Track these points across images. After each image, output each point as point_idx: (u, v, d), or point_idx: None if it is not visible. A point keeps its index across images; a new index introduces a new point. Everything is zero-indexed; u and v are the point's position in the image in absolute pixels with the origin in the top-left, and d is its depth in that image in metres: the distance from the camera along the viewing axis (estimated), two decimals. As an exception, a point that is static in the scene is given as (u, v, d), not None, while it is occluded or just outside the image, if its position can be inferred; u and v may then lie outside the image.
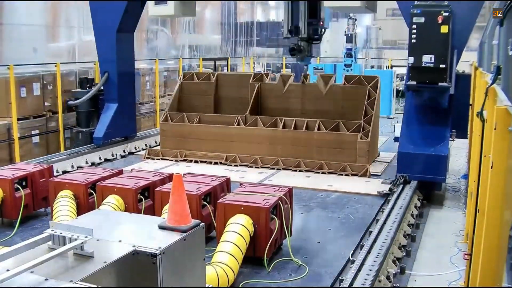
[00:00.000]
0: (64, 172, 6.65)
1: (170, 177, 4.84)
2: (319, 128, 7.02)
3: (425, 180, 5.89)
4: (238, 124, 7.43)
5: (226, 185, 4.70)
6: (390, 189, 5.81)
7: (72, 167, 7.05)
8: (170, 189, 4.10)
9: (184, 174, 5.89)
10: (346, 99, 7.40)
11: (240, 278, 3.71)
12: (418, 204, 5.60)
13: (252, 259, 3.91)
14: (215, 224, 4.09)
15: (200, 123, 7.71)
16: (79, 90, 8.60)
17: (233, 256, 3.53)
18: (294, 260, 4.05)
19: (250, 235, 3.76)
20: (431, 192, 6.02)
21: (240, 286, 3.62)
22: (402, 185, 5.71)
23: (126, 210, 4.40)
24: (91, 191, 4.68)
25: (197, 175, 4.97)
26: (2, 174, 4.89)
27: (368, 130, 6.82)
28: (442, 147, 5.84)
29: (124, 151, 8.17)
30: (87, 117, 8.51)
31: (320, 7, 6.98)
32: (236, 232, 3.67)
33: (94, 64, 9.21)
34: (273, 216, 3.97)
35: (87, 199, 4.63)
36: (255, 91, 7.75)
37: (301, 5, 6.83)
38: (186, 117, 7.82)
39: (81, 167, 6.89)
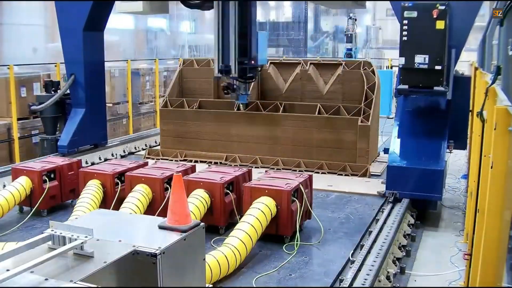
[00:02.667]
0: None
1: (192, 168, 5.26)
2: (319, 112, 6.99)
3: (418, 198, 5.21)
4: (238, 109, 7.38)
5: (248, 175, 4.98)
6: (390, 189, 5.73)
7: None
8: (194, 178, 4.67)
9: (209, 165, 6.39)
10: (347, 85, 7.32)
11: (239, 278, 3.72)
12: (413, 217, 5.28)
13: (252, 257, 3.95)
14: (236, 211, 4.60)
15: (200, 108, 7.65)
16: (43, 94, 7.87)
17: (248, 233, 3.87)
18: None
19: (272, 214, 4.18)
20: (425, 211, 5.38)
21: (240, 286, 3.64)
22: (391, 204, 5.08)
23: (154, 198, 4.71)
24: (117, 180, 4.98)
25: (221, 166, 5.59)
26: (32, 166, 5.21)
27: (369, 114, 6.73)
28: (438, 161, 5.14)
29: (124, 151, 8.13)
30: (52, 123, 7.88)
31: (251, 45, 6.30)
32: (259, 209, 4.10)
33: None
34: (294, 198, 4.33)
35: (114, 188, 4.92)
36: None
37: (232, 43, 6.18)
38: (186, 102, 7.75)
39: (82, 166, 6.90)
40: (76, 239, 2.08)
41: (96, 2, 7.16)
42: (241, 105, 7.03)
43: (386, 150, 5.99)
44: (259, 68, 6.70)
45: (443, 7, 4.73)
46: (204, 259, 2.46)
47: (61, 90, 7.68)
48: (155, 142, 8.84)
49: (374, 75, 7.18)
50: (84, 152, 7.59)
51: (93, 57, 7.59)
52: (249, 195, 4.31)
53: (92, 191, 4.76)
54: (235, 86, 6.49)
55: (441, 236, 4.92)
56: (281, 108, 7.24)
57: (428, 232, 5.03)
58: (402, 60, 4.97)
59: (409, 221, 5.01)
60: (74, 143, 7.44)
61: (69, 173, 5.32)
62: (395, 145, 5.48)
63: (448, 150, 5.55)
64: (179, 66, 8.46)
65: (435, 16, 4.72)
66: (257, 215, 4.04)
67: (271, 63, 7.89)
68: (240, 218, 4.22)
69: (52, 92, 7.85)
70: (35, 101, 7.89)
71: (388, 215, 4.76)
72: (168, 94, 8.11)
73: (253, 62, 6.39)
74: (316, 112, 7.02)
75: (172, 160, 7.53)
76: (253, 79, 6.70)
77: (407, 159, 5.31)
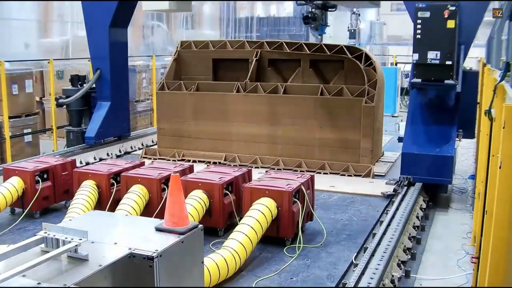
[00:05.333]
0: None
1: (190, 168, 5.22)
2: (322, 93, 6.90)
3: (430, 182, 5.70)
4: (238, 91, 7.28)
5: (247, 176, 4.92)
6: (394, 190, 5.70)
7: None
8: (192, 178, 4.59)
9: (207, 165, 6.26)
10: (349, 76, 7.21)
11: (239, 282, 3.66)
12: (424, 206, 5.48)
13: (252, 259, 3.90)
14: (235, 213, 4.52)
15: (198, 90, 7.55)
16: (70, 87, 8.26)
17: (248, 236, 3.81)
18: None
19: (272, 216, 4.12)
20: (436, 194, 5.85)
21: (239, 287, 3.59)
22: (406, 187, 5.55)
23: (151, 199, 4.64)
24: (113, 181, 4.89)
25: (220, 166, 5.52)
26: (24, 166, 5.10)
27: (373, 95, 6.62)
28: (448, 148, 5.62)
29: (120, 151, 8.05)
30: (78, 116, 8.17)
31: None
32: (259, 211, 4.03)
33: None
34: (296, 199, 4.28)
35: (109, 189, 4.83)
36: (254, 57, 7.46)
37: None
38: (183, 85, 7.66)
39: (76, 166, 6.86)
40: (70, 242, 2.06)
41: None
42: (319, 37, 7.09)
43: (400, 139, 6.46)
44: None
45: (453, 8, 5.20)
46: (203, 262, 2.42)
47: (88, 84, 7.99)
48: (152, 141, 8.73)
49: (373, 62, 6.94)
50: (108, 144, 7.89)
51: (118, 52, 7.87)
52: (249, 196, 4.25)
53: (86, 192, 4.66)
54: (316, 15, 6.67)
55: (448, 239, 4.83)
56: (282, 90, 7.12)
57: (434, 235, 4.96)
58: (416, 56, 5.37)
59: (414, 223, 4.93)
60: (101, 134, 7.76)
61: (63, 173, 5.21)
62: (409, 134, 5.90)
63: (457, 139, 6.03)
64: (177, 48, 8.25)
65: (446, 16, 5.18)
66: (257, 216, 3.97)
67: (270, 60, 7.77)
68: (239, 220, 4.15)
69: (79, 85, 8.14)
70: (62, 94, 8.13)
71: (393, 217, 4.68)
72: (165, 77, 7.99)
73: None
74: (319, 93, 6.90)
75: (169, 160, 7.43)
76: (335, 9, 6.96)
77: (419, 146, 5.74)
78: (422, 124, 5.90)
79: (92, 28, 7.73)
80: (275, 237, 4.24)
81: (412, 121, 5.99)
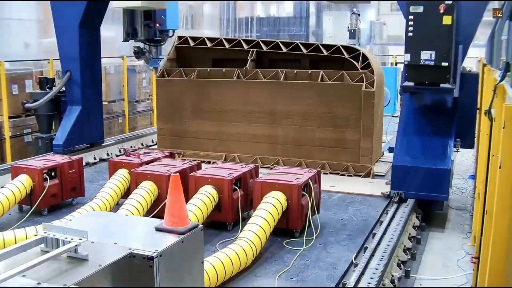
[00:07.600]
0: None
1: (198, 165, 5.32)
2: (322, 79, 6.89)
3: (424, 198, 5.13)
4: (238, 77, 7.27)
5: (255, 172, 5.07)
6: (394, 190, 5.65)
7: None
8: (202, 174, 4.69)
9: (215, 162, 6.45)
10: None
11: (239, 281, 3.66)
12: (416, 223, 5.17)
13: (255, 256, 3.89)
14: (243, 208, 4.69)
15: (199, 77, 7.52)
16: (38, 91, 7.75)
17: (262, 227, 3.98)
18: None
19: (282, 208, 4.29)
20: (430, 212, 5.29)
21: (239, 287, 3.59)
22: (396, 205, 5.01)
23: (159, 195, 4.69)
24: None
25: (228, 163, 5.81)
26: (32, 164, 5.19)
27: (373, 81, 6.56)
28: (444, 160, 5.04)
29: (120, 151, 7.98)
30: (47, 122, 7.79)
31: (154, 10, 6.87)
32: (271, 203, 4.20)
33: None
34: (304, 193, 4.45)
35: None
36: (250, 57, 7.44)
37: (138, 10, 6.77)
38: (183, 72, 7.62)
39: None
40: (70, 242, 2.06)
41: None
42: (153, 70, 7.23)
43: (391, 149, 5.90)
44: (170, 32, 7.05)
45: (450, 2, 4.64)
46: (203, 262, 2.41)
47: (56, 87, 7.60)
48: (152, 141, 8.75)
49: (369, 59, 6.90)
50: (79, 151, 7.45)
51: (89, 53, 7.49)
52: (259, 190, 4.40)
53: (116, 181, 4.94)
54: (144, 50, 6.80)
55: (448, 239, 4.82)
56: (282, 76, 7.10)
57: (434, 234, 4.95)
58: (408, 57, 4.83)
59: (414, 223, 4.92)
60: (70, 142, 7.28)
61: (70, 171, 5.31)
62: (400, 144, 5.38)
63: (455, 149, 5.46)
64: (173, 43, 8.15)
65: (442, 11, 4.62)
66: (269, 209, 4.12)
67: (270, 60, 7.77)
68: (250, 214, 4.30)
69: (47, 89, 7.78)
70: (29, 98, 7.81)
71: (393, 216, 4.68)
72: (164, 65, 7.91)
73: (158, 25, 6.83)
74: (319, 79, 6.88)
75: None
76: (162, 43, 7.10)
77: (412, 158, 5.21)
78: (415, 133, 5.33)
79: (61, 28, 7.29)
80: (285, 229, 4.36)
81: (404, 130, 5.40)
